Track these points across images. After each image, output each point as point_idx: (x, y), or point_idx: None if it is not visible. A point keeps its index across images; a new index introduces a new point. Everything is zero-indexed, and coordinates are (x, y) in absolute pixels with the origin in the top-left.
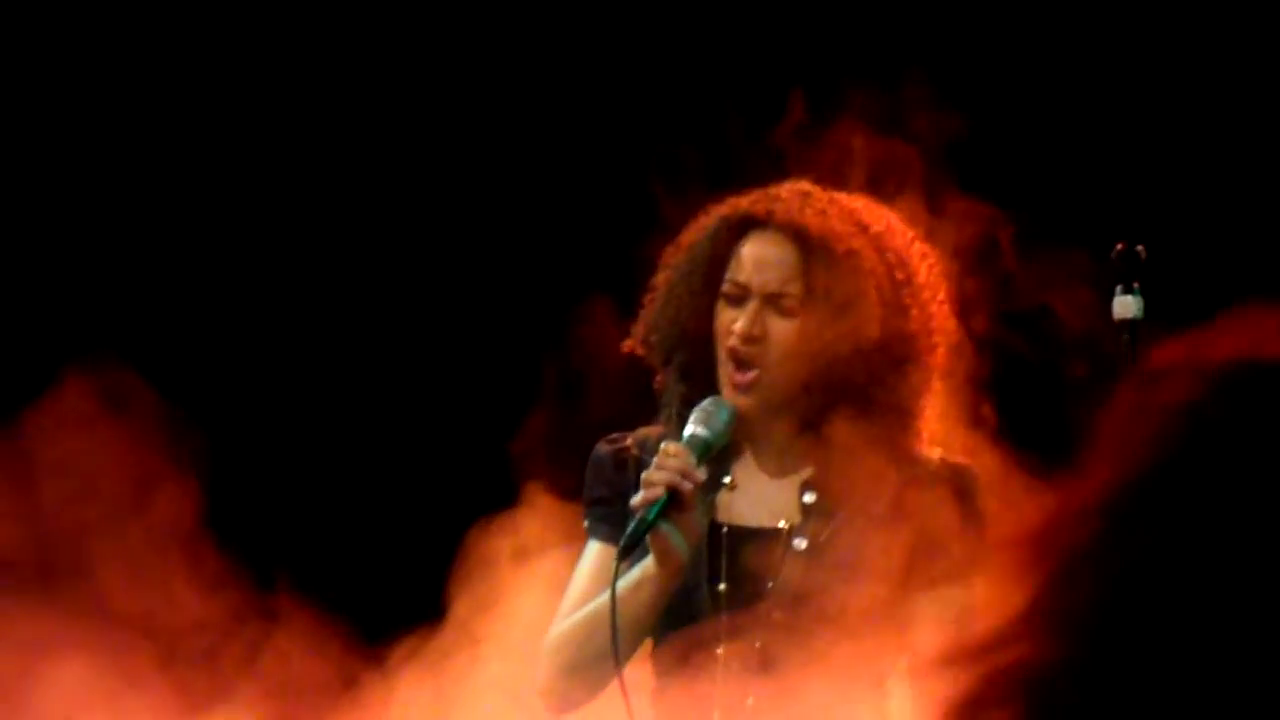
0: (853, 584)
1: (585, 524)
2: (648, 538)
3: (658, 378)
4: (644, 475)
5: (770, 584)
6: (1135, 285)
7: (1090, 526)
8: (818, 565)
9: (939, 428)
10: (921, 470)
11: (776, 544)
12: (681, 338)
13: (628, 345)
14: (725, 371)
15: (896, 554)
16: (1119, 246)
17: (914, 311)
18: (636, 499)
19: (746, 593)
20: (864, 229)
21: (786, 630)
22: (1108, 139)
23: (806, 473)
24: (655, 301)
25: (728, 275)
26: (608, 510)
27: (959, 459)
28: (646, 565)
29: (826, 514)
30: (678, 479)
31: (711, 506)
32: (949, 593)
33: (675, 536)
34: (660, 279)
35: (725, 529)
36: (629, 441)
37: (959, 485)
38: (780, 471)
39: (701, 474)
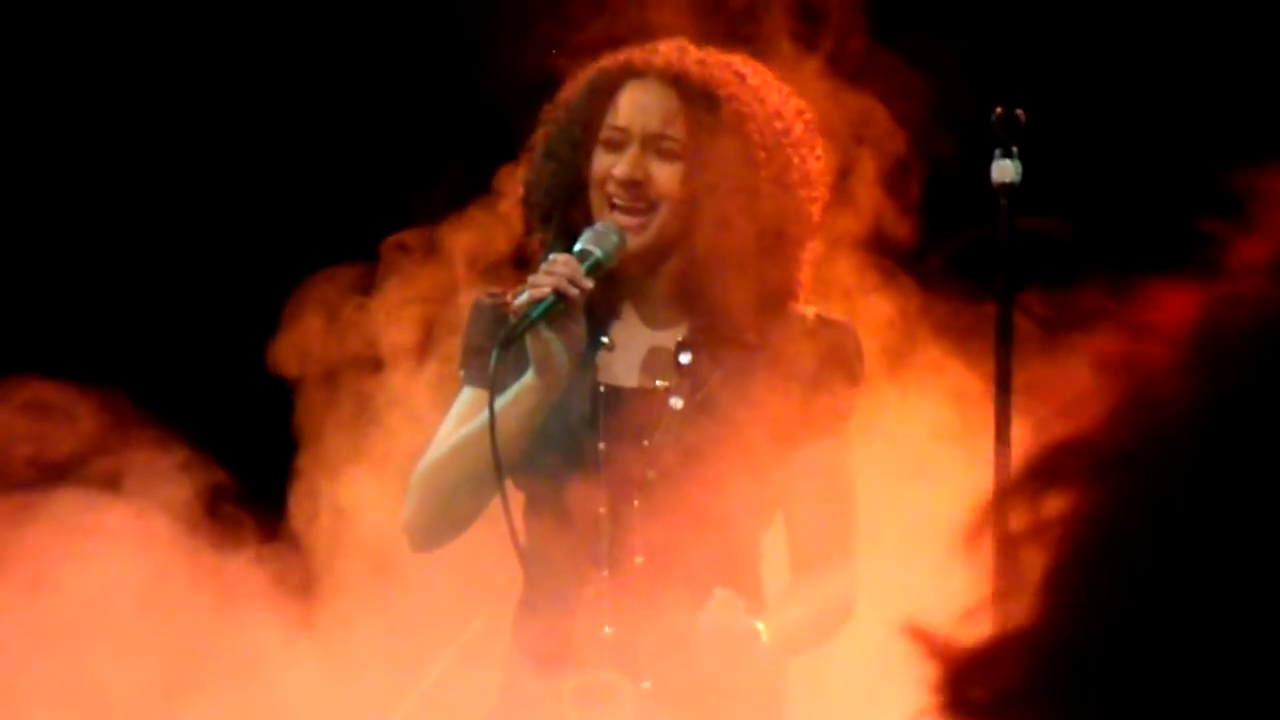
0: (727, 442)
1: (460, 372)
2: (529, 344)
3: (536, 238)
4: (530, 278)
5: (646, 443)
6: (1014, 149)
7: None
8: (693, 424)
9: (815, 284)
10: (797, 327)
11: (653, 403)
12: (562, 191)
13: (505, 206)
14: (608, 215)
15: (771, 412)
16: (998, 110)
17: (795, 162)
18: (520, 299)
19: (624, 452)
20: (742, 78)
21: (663, 489)
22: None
23: (682, 332)
24: (533, 160)
25: (607, 121)
26: (484, 360)
27: (834, 315)
28: (525, 378)
29: (702, 373)
30: (564, 283)
31: (591, 366)
32: (821, 444)
33: (556, 344)
34: (538, 136)
35: (603, 388)
36: (509, 296)
37: (834, 341)
38: (658, 331)
39: (589, 284)
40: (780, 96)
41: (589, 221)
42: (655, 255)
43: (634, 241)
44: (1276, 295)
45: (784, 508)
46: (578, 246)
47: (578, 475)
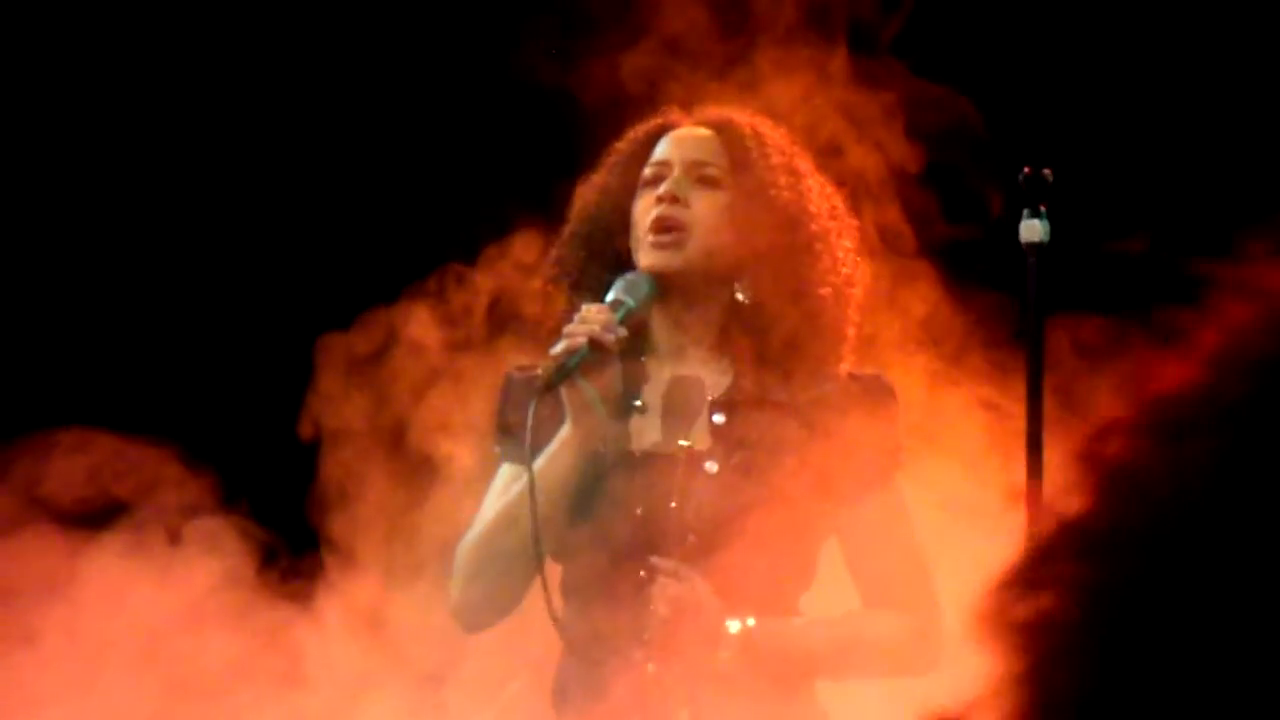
0: (765, 506)
1: (496, 449)
2: (565, 395)
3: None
4: (565, 329)
5: (683, 508)
6: (1042, 209)
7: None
8: (730, 488)
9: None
10: (831, 385)
11: (688, 467)
12: (597, 252)
13: (538, 284)
14: (646, 241)
15: (811, 473)
16: (1026, 170)
17: (840, 214)
18: (557, 348)
19: (661, 517)
20: (774, 127)
21: (702, 553)
22: (1018, 64)
23: (717, 393)
24: (569, 226)
25: (649, 162)
26: (519, 435)
27: (868, 370)
28: (562, 433)
29: (737, 434)
30: (599, 330)
31: (625, 433)
32: (873, 498)
33: (592, 392)
34: (574, 209)
35: (638, 454)
36: (539, 370)
37: (870, 395)
38: (692, 393)
39: (623, 332)
40: (803, 154)
41: (625, 268)
42: (692, 284)
43: (666, 259)
44: (1232, 388)
45: (850, 568)
46: (609, 296)
47: (616, 542)
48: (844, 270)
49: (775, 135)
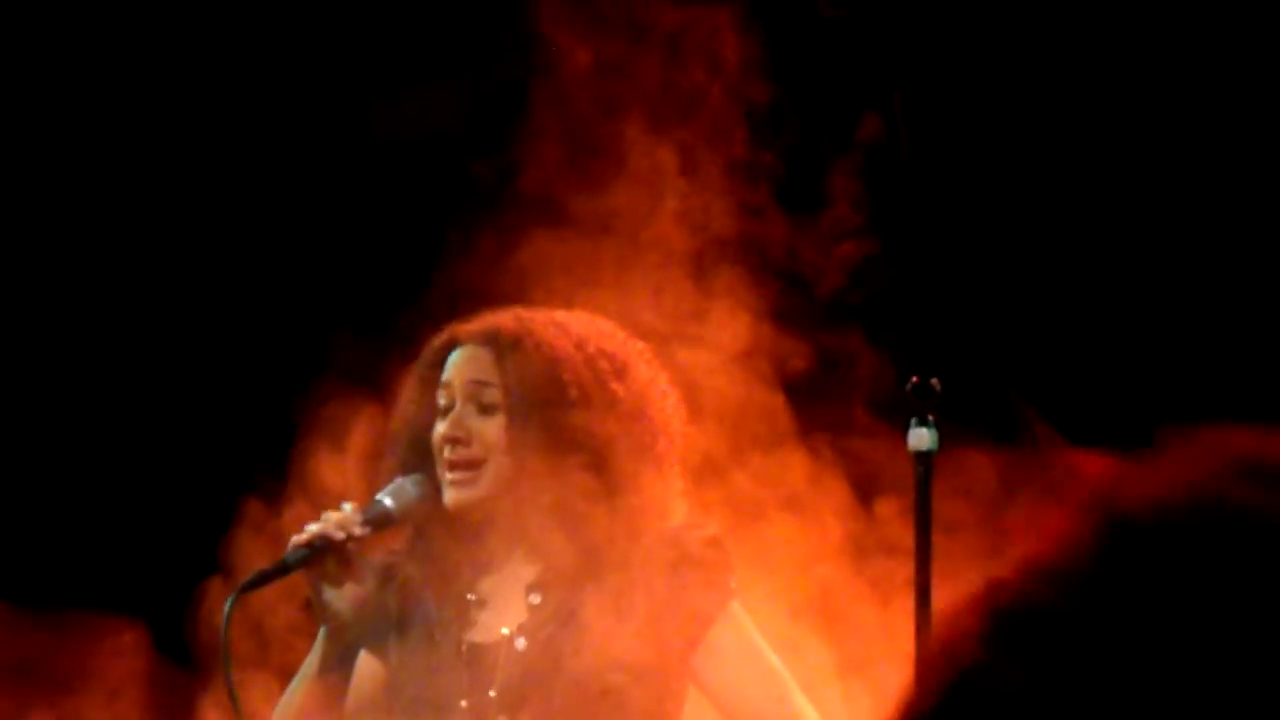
0: (574, 676)
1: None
2: (311, 597)
3: None
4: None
5: (493, 693)
6: (930, 418)
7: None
8: (534, 664)
9: (681, 500)
10: (654, 542)
11: (503, 650)
12: (414, 460)
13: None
14: (444, 477)
15: (626, 634)
16: (914, 379)
17: (621, 395)
18: (289, 547)
19: (484, 706)
20: (561, 327)
21: None
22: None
23: (532, 574)
24: (392, 432)
25: (439, 384)
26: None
27: (693, 524)
28: (321, 634)
29: (548, 612)
30: (331, 529)
31: (462, 624)
32: (714, 634)
33: (330, 593)
34: (396, 409)
35: (465, 646)
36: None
37: (690, 546)
38: (515, 579)
39: (361, 531)
40: (607, 338)
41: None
42: (498, 506)
43: (464, 496)
44: (1051, 598)
45: (717, 709)
46: (376, 497)
47: None
48: (641, 438)
49: (556, 331)
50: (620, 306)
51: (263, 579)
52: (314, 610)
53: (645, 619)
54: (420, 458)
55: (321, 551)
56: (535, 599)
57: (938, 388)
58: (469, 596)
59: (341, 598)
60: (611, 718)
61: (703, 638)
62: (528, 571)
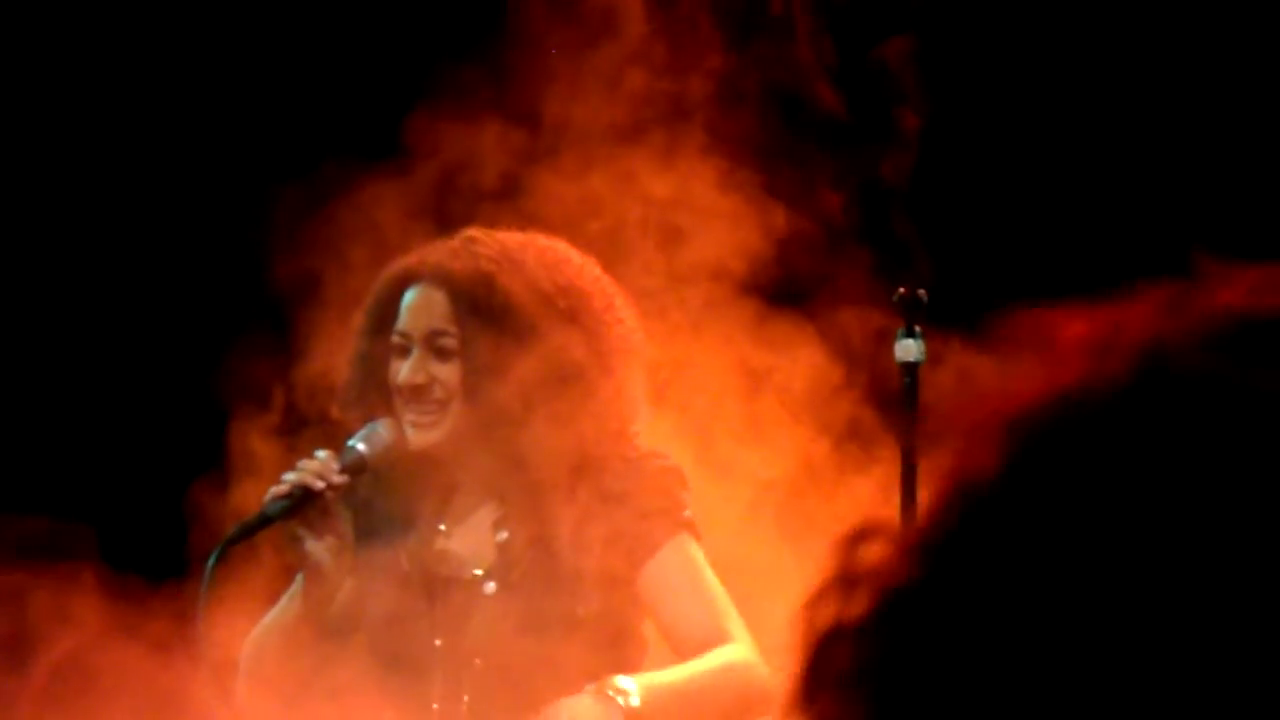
0: (545, 618)
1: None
2: (290, 546)
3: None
4: (283, 475)
5: (467, 634)
6: (917, 329)
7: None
8: (507, 607)
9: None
10: (619, 469)
11: (472, 591)
12: (372, 397)
13: (334, 411)
14: (405, 418)
15: (590, 569)
16: (901, 290)
17: (586, 325)
18: (266, 497)
19: (456, 644)
20: (516, 262)
21: (493, 677)
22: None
23: (498, 510)
24: (347, 367)
25: (394, 329)
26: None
27: (652, 453)
28: (296, 581)
29: (516, 550)
30: (311, 479)
31: (429, 555)
32: (660, 559)
33: (310, 542)
34: (350, 345)
35: (438, 580)
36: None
37: (650, 473)
38: (482, 514)
39: (339, 479)
40: (563, 267)
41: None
42: (463, 451)
43: (428, 438)
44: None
45: (661, 632)
46: (349, 443)
47: (413, 670)
48: (614, 369)
49: (508, 264)
50: None
51: (245, 532)
52: (293, 559)
53: (604, 547)
54: (377, 393)
55: (302, 501)
56: (503, 535)
57: (924, 299)
58: (439, 526)
59: (322, 547)
60: (582, 651)
61: (648, 560)
62: (493, 507)
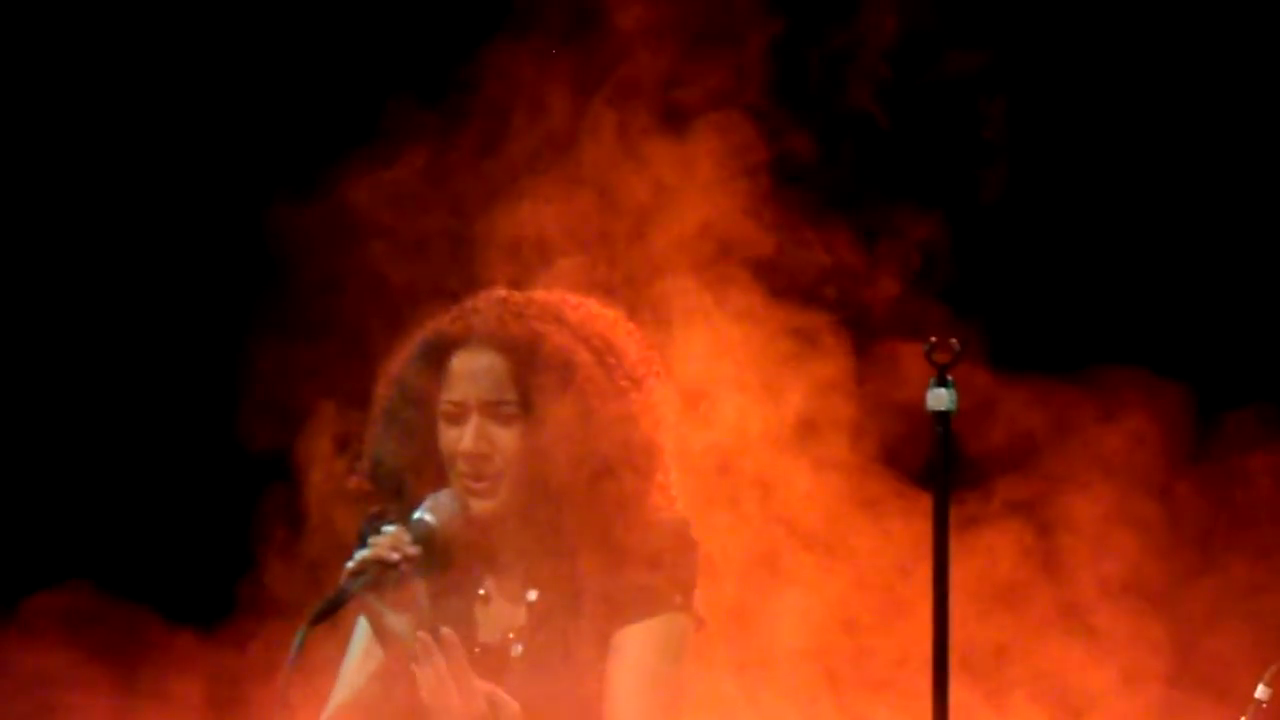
0: (561, 679)
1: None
2: (369, 620)
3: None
4: (357, 551)
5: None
6: (949, 378)
7: None
8: (528, 670)
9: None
10: (637, 539)
11: (503, 654)
12: (410, 467)
13: (354, 483)
14: (462, 485)
15: (596, 631)
16: (932, 339)
17: (632, 394)
18: (343, 574)
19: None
20: (563, 322)
21: None
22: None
23: (534, 570)
24: (374, 435)
25: (443, 396)
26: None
27: (671, 520)
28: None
29: (544, 614)
30: (384, 552)
31: (470, 623)
32: (628, 631)
33: (390, 615)
34: (375, 412)
35: (477, 649)
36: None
37: (659, 540)
38: (517, 573)
39: (413, 550)
40: (607, 325)
41: (441, 488)
42: (513, 518)
43: (486, 506)
44: None
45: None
46: (416, 514)
47: None
48: (648, 432)
49: (560, 329)
50: None
51: (327, 611)
52: (376, 637)
53: (607, 614)
54: (415, 463)
55: (379, 576)
56: (532, 595)
57: (957, 347)
58: (479, 591)
59: (402, 620)
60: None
61: (627, 626)
62: (526, 565)
